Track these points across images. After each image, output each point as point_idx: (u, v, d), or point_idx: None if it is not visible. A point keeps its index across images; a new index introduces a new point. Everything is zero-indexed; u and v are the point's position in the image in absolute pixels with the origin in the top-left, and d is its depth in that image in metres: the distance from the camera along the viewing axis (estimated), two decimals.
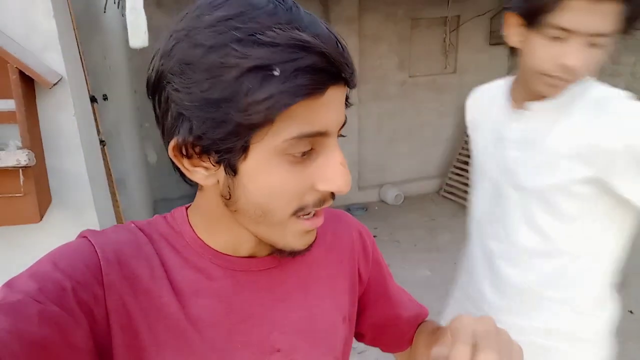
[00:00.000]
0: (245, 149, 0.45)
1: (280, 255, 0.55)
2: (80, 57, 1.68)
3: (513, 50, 0.94)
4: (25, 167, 1.25)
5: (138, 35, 1.40)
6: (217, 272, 0.55)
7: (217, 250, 0.55)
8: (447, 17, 4.51)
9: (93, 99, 1.91)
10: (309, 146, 0.46)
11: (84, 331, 0.45)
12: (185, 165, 0.49)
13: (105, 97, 2.40)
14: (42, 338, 0.41)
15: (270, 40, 0.41)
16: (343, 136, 0.52)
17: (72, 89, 1.41)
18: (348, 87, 0.48)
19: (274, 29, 0.42)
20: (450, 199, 4.69)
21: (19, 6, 1.30)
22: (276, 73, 0.41)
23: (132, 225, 0.56)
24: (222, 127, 0.44)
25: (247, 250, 0.56)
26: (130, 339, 0.49)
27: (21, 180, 1.27)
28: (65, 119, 1.40)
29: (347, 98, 0.50)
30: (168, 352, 0.51)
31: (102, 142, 1.93)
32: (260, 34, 0.42)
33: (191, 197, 0.55)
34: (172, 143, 0.47)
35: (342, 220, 0.70)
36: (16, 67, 1.21)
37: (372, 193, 4.80)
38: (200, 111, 0.44)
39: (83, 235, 0.53)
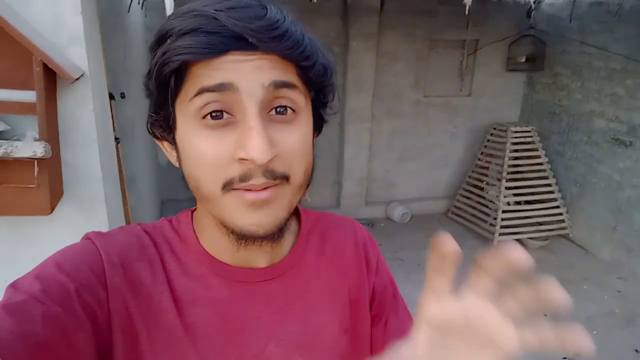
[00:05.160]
0: (173, 119, 0.49)
1: (239, 242, 0.50)
2: (103, 54, 1.70)
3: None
4: (40, 159, 1.25)
5: None
6: (214, 281, 0.54)
7: (215, 258, 0.55)
8: (465, 40, 4.53)
9: (111, 96, 1.93)
10: (219, 106, 0.45)
11: (86, 333, 0.45)
12: (161, 146, 0.53)
13: (122, 95, 2.42)
14: (46, 339, 0.41)
15: (177, 15, 0.46)
16: (284, 109, 0.47)
17: (93, 84, 1.42)
18: (285, 57, 0.45)
19: (193, 8, 0.46)
20: (457, 222, 4.65)
21: (49, 0, 1.32)
22: (170, 37, 0.45)
23: (138, 227, 0.56)
24: (151, 99, 0.50)
25: (237, 253, 0.54)
26: (130, 343, 0.49)
27: (35, 172, 1.28)
28: (84, 114, 1.41)
29: (305, 72, 0.47)
30: None
31: (116, 139, 1.95)
32: (180, 14, 0.46)
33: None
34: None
35: (346, 229, 0.67)
36: (40, 60, 1.22)
37: (379, 209, 4.78)
38: (145, 89, 0.50)
39: (87, 237, 0.52)
